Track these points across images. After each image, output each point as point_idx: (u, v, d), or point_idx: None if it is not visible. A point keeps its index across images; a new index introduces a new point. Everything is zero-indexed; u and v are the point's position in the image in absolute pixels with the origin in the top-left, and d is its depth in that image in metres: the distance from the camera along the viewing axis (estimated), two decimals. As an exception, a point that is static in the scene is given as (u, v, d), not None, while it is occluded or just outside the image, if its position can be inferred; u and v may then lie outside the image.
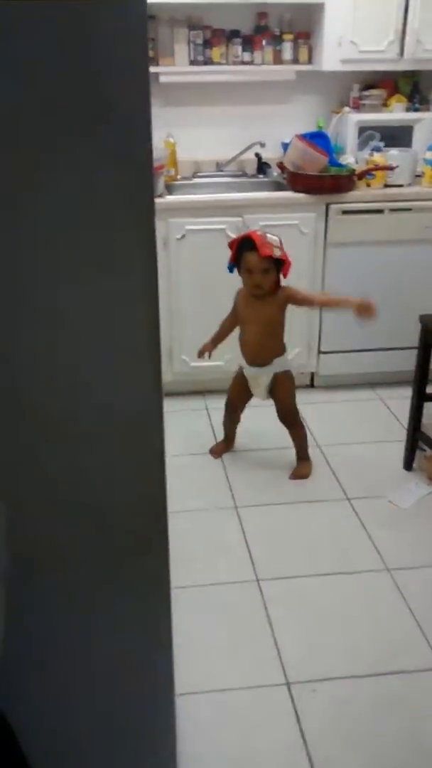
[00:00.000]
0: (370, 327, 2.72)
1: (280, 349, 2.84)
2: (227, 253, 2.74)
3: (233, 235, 3.22)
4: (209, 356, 2.97)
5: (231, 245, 2.72)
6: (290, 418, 2.94)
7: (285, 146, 3.54)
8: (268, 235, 2.66)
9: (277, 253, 2.61)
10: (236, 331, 2.90)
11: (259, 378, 2.86)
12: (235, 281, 2.80)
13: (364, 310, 2.64)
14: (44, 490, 1.19)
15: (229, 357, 3.09)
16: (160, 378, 1.18)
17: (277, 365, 2.84)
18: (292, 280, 2.87)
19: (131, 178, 1.04)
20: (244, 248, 2.65)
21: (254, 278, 2.65)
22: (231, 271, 2.74)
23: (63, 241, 1.04)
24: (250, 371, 2.88)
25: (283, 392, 2.87)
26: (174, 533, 1.35)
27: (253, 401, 3.02)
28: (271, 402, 2.94)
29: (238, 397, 3.00)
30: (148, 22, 0.98)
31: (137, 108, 1.00)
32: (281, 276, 2.70)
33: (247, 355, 2.86)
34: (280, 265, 2.66)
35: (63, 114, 0.97)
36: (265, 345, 2.80)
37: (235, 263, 2.71)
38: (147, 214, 1.06)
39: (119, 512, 1.25)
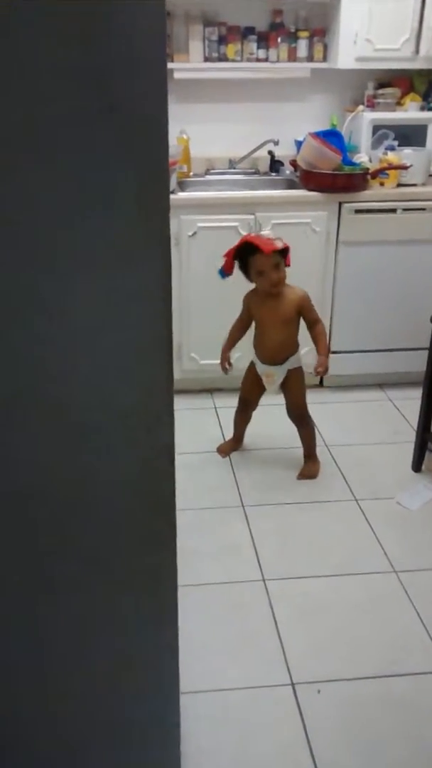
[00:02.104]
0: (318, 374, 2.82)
1: (295, 348, 2.83)
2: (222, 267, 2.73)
3: (245, 233, 3.21)
4: (230, 365, 2.97)
5: (227, 255, 2.71)
6: (300, 414, 2.93)
7: (298, 144, 3.53)
8: (261, 233, 2.68)
9: (279, 244, 2.61)
10: (249, 334, 2.89)
11: (274, 375, 2.86)
12: (245, 280, 2.79)
13: (322, 365, 2.79)
14: (54, 485, 1.19)
15: (239, 355, 3.08)
16: (171, 375, 1.18)
17: (292, 362, 2.83)
18: (304, 278, 2.86)
19: (147, 174, 1.03)
20: (247, 254, 2.65)
21: (269, 277, 2.65)
22: (223, 277, 2.74)
23: (77, 237, 1.03)
24: (264, 368, 2.87)
25: (294, 387, 2.87)
26: (181, 531, 1.34)
27: (263, 400, 3.01)
28: (279, 401, 2.94)
29: (251, 391, 2.99)
30: (166, 19, 0.97)
31: (155, 104, 0.99)
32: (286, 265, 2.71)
33: (264, 354, 2.85)
34: (284, 255, 2.66)
35: (81, 110, 0.96)
36: (283, 345, 2.80)
37: (232, 271, 2.71)
38: (162, 210, 1.06)
39: (128, 509, 1.24)
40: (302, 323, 2.82)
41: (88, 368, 1.11)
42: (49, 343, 1.08)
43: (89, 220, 1.02)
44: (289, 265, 2.71)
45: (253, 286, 2.77)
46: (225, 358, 2.95)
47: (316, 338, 2.82)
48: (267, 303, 2.76)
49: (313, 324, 2.80)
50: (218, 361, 2.97)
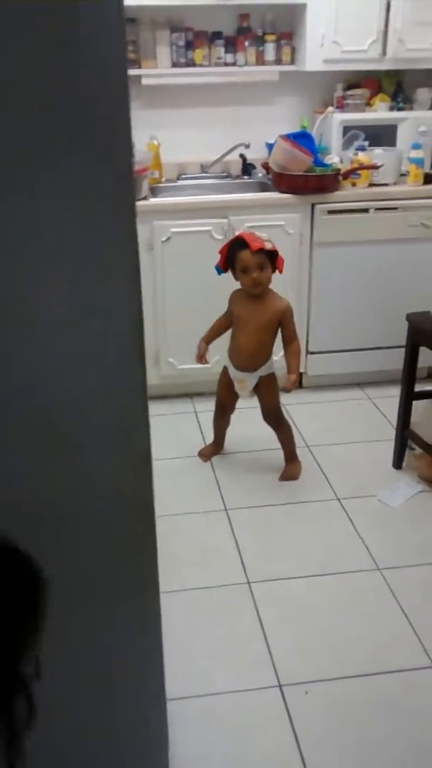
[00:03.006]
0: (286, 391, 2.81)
1: (269, 356, 2.84)
2: (214, 255, 2.74)
3: (219, 237, 3.22)
4: (205, 359, 2.95)
5: (222, 250, 2.72)
6: (274, 417, 2.94)
7: (269, 147, 3.54)
8: (257, 233, 2.67)
9: (268, 245, 2.62)
10: (227, 337, 2.89)
11: (245, 381, 2.86)
12: (221, 283, 2.79)
13: (291, 381, 2.76)
14: (28, 494, 1.18)
15: (218, 359, 3.08)
16: (144, 380, 1.17)
17: (263, 370, 2.84)
18: (280, 281, 2.87)
19: (113, 180, 1.03)
20: (235, 249, 2.65)
21: (251, 275, 2.65)
22: (219, 273, 2.74)
23: (43, 246, 1.03)
24: (236, 374, 2.87)
25: (266, 392, 2.87)
26: (164, 537, 1.34)
27: (242, 403, 3.01)
28: (257, 405, 2.94)
29: (226, 396, 2.99)
30: (125, 22, 0.97)
31: (117, 109, 0.99)
32: (275, 271, 2.71)
33: (238, 360, 2.85)
34: (273, 259, 2.66)
35: (41, 116, 0.96)
36: (255, 351, 2.80)
37: (225, 268, 2.72)
38: (128, 215, 1.06)
39: (106, 516, 1.23)
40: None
41: (59, 377, 1.11)
42: (19, 352, 1.08)
43: (55, 227, 1.02)
44: (280, 272, 2.72)
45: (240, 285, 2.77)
46: (201, 348, 2.93)
47: (289, 356, 2.80)
48: (248, 305, 2.76)
49: (290, 340, 2.79)
50: (197, 366, 2.96)
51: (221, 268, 2.74)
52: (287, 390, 2.79)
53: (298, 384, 3.65)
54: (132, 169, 1.04)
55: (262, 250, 2.61)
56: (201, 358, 2.95)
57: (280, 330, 2.79)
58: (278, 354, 2.90)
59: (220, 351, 2.96)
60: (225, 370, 2.94)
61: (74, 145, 0.98)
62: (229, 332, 2.89)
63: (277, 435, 2.97)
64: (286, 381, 2.78)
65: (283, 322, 2.76)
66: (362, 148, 3.42)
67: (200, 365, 2.97)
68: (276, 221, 3.30)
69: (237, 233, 2.76)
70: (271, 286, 2.74)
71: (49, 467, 1.17)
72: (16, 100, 0.94)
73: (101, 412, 1.15)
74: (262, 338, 2.78)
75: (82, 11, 0.93)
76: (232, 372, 2.89)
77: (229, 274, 2.76)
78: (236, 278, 2.73)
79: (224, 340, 2.91)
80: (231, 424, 3.09)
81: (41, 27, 0.92)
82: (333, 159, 3.50)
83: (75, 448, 1.16)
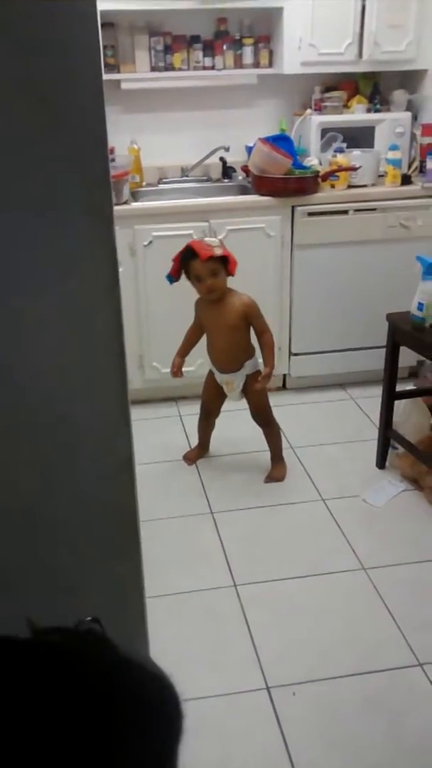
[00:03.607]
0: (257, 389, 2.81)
1: (249, 354, 2.84)
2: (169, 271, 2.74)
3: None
4: (181, 373, 2.96)
5: (175, 260, 2.72)
6: (264, 416, 2.94)
7: (249, 150, 3.55)
8: (206, 239, 2.70)
9: (217, 251, 2.63)
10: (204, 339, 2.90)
11: (233, 383, 2.87)
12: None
13: (266, 378, 2.77)
14: (10, 500, 1.17)
15: (201, 362, 3.08)
16: (125, 385, 1.17)
17: (248, 368, 2.84)
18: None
19: (90, 184, 1.03)
20: (187, 259, 2.66)
21: (205, 284, 2.66)
22: (171, 282, 2.75)
23: (21, 251, 1.02)
24: (221, 377, 2.88)
25: (255, 392, 2.88)
26: (149, 541, 1.34)
27: (226, 406, 3.01)
28: (241, 407, 2.94)
29: (212, 400, 2.99)
30: (99, 25, 0.97)
31: (91, 112, 0.99)
32: (229, 274, 2.71)
33: (218, 363, 2.87)
34: (226, 262, 2.67)
35: (14, 120, 0.96)
36: (231, 352, 2.81)
37: (177, 276, 2.73)
38: (106, 219, 1.06)
39: (88, 521, 1.23)
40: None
41: (38, 382, 1.11)
42: (-1, 358, 1.08)
43: (33, 232, 1.02)
44: (232, 275, 2.72)
45: None
46: (176, 364, 2.93)
47: (262, 349, 2.81)
48: (210, 310, 2.77)
49: (260, 334, 2.79)
50: (182, 370, 2.96)
51: (173, 276, 2.74)
52: (257, 389, 2.79)
53: (282, 385, 3.66)
54: (108, 173, 1.04)
55: (212, 258, 2.62)
56: (176, 373, 2.95)
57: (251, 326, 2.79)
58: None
59: (202, 354, 2.96)
60: (210, 374, 2.95)
61: (48, 150, 0.98)
62: (205, 338, 2.90)
63: (265, 434, 2.97)
64: (261, 376, 2.78)
65: (249, 317, 2.76)
66: (340, 150, 3.44)
67: (184, 368, 2.97)
68: (256, 224, 3.31)
69: (188, 242, 2.76)
70: (251, 287, 2.75)
71: (28, 473, 1.16)
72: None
73: (81, 418, 1.15)
74: (232, 338, 2.79)
75: (54, 15, 0.93)
76: (218, 376, 2.89)
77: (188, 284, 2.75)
78: (193, 285, 2.74)
79: (203, 344, 2.92)
80: (216, 426, 3.10)
81: (12, 30, 0.92)
82: (312, 161, 3.52)
83: (54, 454, 1.16)
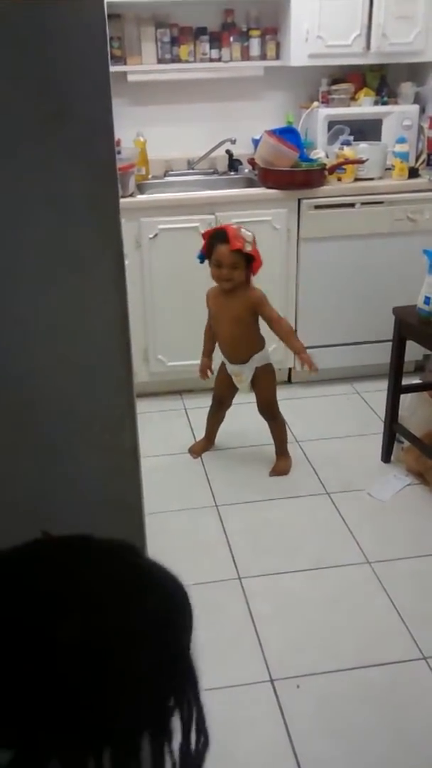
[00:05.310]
0: (312, 374, 2.80)
1: (258, 345, 2.84)
2: (201, 249, 2.73)
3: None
4: (208, 374, 2.97)
5: (204, 236, 2.72)
6: (270, 410, 2.94)
7: (255, 142, 3.54)
8: (242, 230, 2.66)
9: (247, 248, 2.61)
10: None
11: (241, 375, 2.86)
12: (209, 279, 2.79)
13: (305, 360, 2.76)
14: (16, 492, 1.18)
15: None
16: (131, 378, 1.17)
17: (257, 360, 2.84)
18: (266, 277, 2.87)
19: (96, 176, 1.02)
20: (216, 240, 2.65)
21: (222, 272, 2.65)
22: (201, 261, 2.73)
23: (28, 243, 1.02)
24: (231, 368, 2.88)
25: (263, 385, 2.88)
26: (154, 533, 1.34)
27: (235, 398, 3.01)
28: (247, 400, 2.95)
29: (225, 391, 2.99)
30: (107, 19, 0.97)
31: (98, 105, 0.99)
32: (251, 274, 2.70)
33: (225, 352, 2.87)
34: (249, 261, 2.65)
35: (21, 114, 0.95)
36: (239, 342, 2.80)
37: (207, 255, 2.71)
38: (112, 211, 1.05)
39: (94, 513, 1.23)
40: (264, 321, 2.81)
41: (44, 375, 1.11)
42: (5, 350, 1.07)
43: (40, 224, 1.02)
44: (254, 275, 2.71)
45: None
46: (204, 364, 2.95)
47: (284, 339, 2.80)
48: (220, 299, 2.77)
49: (273, 323, 2.77)
50: (186, 362, 2.96)
51: (205, 255, 2.72)
52: (312, 371, 2.74)
53: (288, 379, 3.66)
54: (115, 165, 1.04)
55: (240, 251, 2.61)
56: (204, 373, 2.97)
57: (261, 319, 2.78)
58: (272, 345, 2.91)
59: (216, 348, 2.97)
60: (222, 365, 2.95)
61: (55, 142, 0.98)
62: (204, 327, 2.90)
63: (270, 428, 2.97)
64: (301, 363, 2.75)
65: (259, 310, 2.75)
66: (347, 143, 3.43)
67: (187, 361, 2.96)
68: (263, 217, 3.30)
69: (224, 225, 2.74)
70: (257, 280, 2.74)
71: (35, 466, 1.16)
72: (-4, 99, 0.94)
73: (87, 411, 1.15)
74: (237, 329, 2.78)
75: (61, 6, 0.92)
76: (229, 367, 2.90)
77: (196, 278, 2.74)
78: (210, 267, 2.72)
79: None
80: (223, 420, 3.10)
81: (19, 22, 0.91)
82: (319, 154, 3.50)
83: (61, 447, 1.16)
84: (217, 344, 2.91)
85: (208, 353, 2.96)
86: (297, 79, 3.72)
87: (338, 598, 2.28)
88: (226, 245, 2.60)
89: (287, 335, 2.80)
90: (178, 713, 0.65)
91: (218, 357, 2.95)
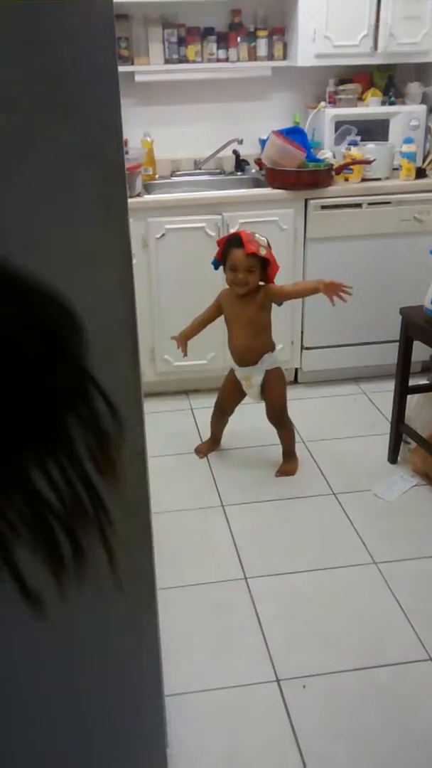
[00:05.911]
0: (346, 301, 2.70)
1: (268, 347, 2.83)
2: (208, 251, 2.74)
3: (213, 234, 3.22)
4: (184, 352, 2.92)
5: (219, 242, 2.72)
6: (280, 417, 2.94)
7: (262, 143, 3.54)
8: (257, 235, 2.66)
9: (262, 252, 2.61)
10: (223, 333, 2.89)
11: (251, 378, 2.85)
12: (216, 279, 2.79)
13: (331, 289, 2.67)
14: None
15: (213, 355, 3.08)
16: (138, 378, 1.17)
17: (267, 362, 2.83)
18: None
19: (104, 176, 1.03)
20: (231, 245, 2.65)
21: (237, 276, 2.65)
22: (216, 267, 2.74)
23: (31, 241, 1.03)
24: (240, 372, 2.87)
25: (274, 390, 2.87)
26: (160, 533, 1.34)
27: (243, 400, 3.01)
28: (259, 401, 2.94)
29: (229, 398, 2.99)
30: (115, 19, 0.97)
31: (106, 105, 0.99)
32: (268, 281, 2.70)
33: (236, 356, 2.86)
34: (264, 266, 2.65)
35: (30, 115, 0.96)
36: (251, 346, 2.80)
37: (221, 260, 2.71)
38: (120, 212, 1.06)
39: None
40: (276, 324, 2.81)
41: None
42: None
43: (47, 224, 1.02)
44: (271, 281, 2.71)
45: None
46: (181, 339, 2.90)
47: (306, 292, 2.84)
48: (234, 303, 2.77)
49: (286, 293, 2.78)
50: (193, 362, 2.96)
51: (219, 261, 2.72)
52: (344, 294, 2.67)
53: (294, 379, 3.65)
54: (123, 165, 1.04)
55: (255, 255, 2.61)
56: (179, 346, 2.91)
57: (274, 305, 2.78)
58: (279, 345, 2.90)
59: (214, 347, 2.96)
60: (231, 372, 2.94)
61: (62, 142, 0.98)
62: (213, 326, 2.89)
63: (279, 433, 2.97)
64: (329, 290, 2.67)
65: (277, 295, 2.75)
66: (354, 143, 3.43)
67: (190, 361, 2.95)
68: (269, 217, 3.30)
69: (238, 230, 2.75)
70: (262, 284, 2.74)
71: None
72: (7, 101, 0.94)
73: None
74: (251, 332, 2.78)
75: (69, 6, 0.93)
76: (238, 372, 2.88)
77: (203, 277, 2.73)
78: (224, 272, 2.73)
79: (223, 341, 2.91)
80: (228, 423, 3.10)
81: (26, 22, 0.92)
82: (325, 154, 3.50)
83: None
84: (229, 349, 2.89)
85: (190, 333, 2.89)
86: (304, 79, 3.72)
87: (344, 599, 2.28)
88: (240, 249, 2.61)
89: (306, 285, 2.82)
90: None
91: (226, 362, 2.94)
